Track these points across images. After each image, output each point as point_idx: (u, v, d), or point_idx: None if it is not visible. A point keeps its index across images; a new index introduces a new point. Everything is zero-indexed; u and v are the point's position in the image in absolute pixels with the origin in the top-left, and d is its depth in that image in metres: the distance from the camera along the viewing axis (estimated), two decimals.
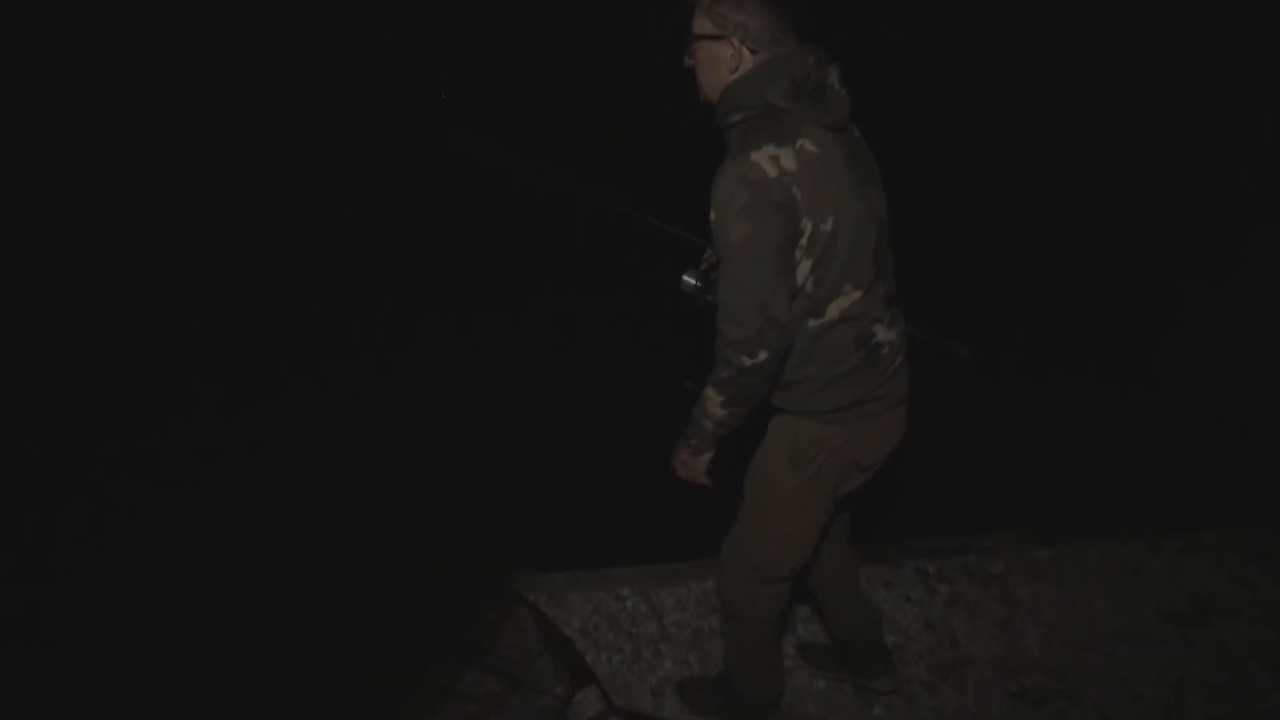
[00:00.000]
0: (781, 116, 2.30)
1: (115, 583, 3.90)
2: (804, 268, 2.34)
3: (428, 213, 7.47)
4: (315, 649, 3.52)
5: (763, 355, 2.32)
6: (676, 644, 3.72)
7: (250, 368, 5.46)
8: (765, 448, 2.75)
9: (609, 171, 7.71)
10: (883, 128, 2.52)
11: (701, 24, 2.38)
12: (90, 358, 5.47)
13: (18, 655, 3.56)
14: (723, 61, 2.37)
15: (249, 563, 3.91)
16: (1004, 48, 8.26)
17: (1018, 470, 4.52)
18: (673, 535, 3.97)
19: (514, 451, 4.68)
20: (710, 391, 2.48)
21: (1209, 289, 6.37)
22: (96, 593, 3.86)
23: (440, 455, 4.66)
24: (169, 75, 8.21)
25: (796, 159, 2.25)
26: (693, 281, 2.75)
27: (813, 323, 2.44)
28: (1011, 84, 8.03)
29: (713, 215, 2.30)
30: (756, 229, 2.23)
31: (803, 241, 2.30)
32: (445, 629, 3.64)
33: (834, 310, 2.42)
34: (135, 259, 6.46)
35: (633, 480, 4.23)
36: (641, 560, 4.09)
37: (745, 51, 2.35)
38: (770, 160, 2.22)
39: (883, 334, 2.53)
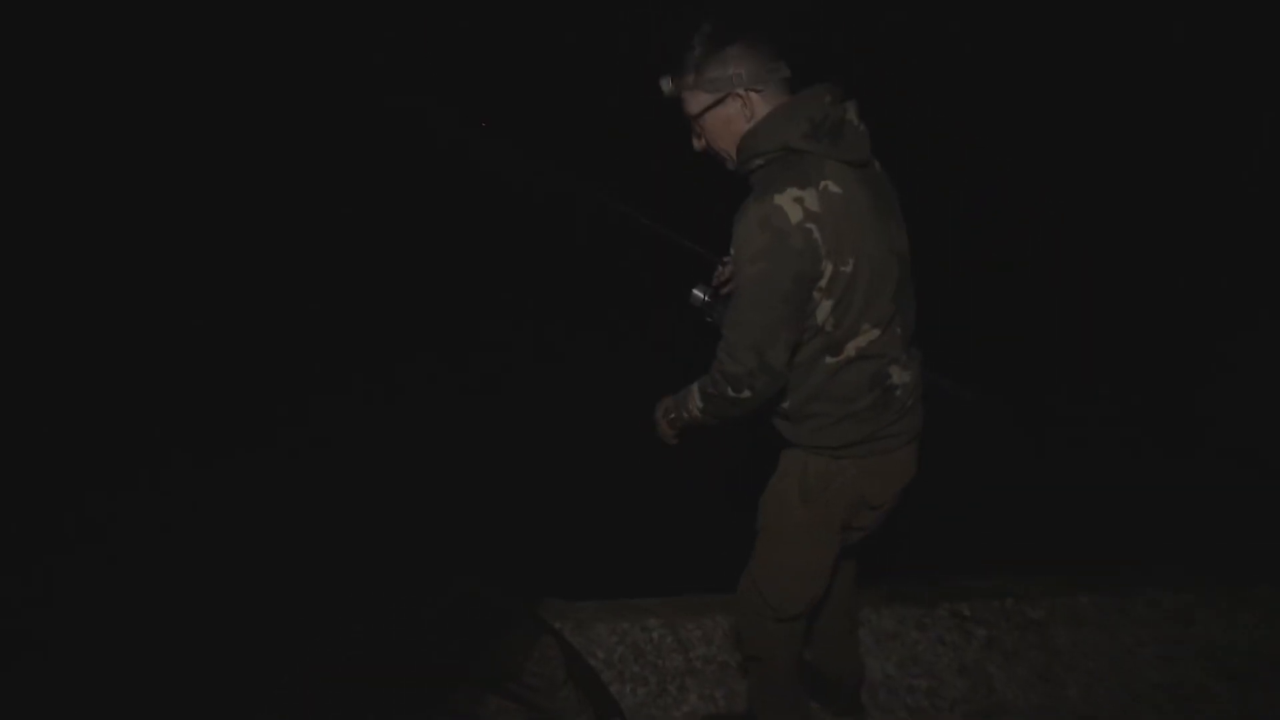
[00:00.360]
0: (803, 158, 2.28)
1: (121, 583, 3.91)
2: (824, 308, 2.31)
3: (428, 213, 7.35)
4: (336, 660, 3.47)
5: (747, 394, 2.35)
6: (702, 679, 3.58)
7: (259, 374, 5.47)
8: (776, 481, 2.72)
9: (609, 172, 7.55)
10: (883, 128, 2.47)
11: (699, 100, 2.37)
12: (100, 359, 5.47)
13: (21, 655, 3.54)
14: (735, 117, 2.36)
15: (269, 572, 3.89)
16: (1003, 48, 8.21)
17: (1057, 510, 4.37)
18: (701, 566, 3.79)
19: (543, 475, 4.60)
20: (696, 393, 2.53)
21: (1256, 319, 6.18)
22: (101, 592, 3.87)
23: (468, 477, 4.60)
24: (168, 76, 8.08)
25: (820, 200, 2.22)
26: (702, 296, 2.78)
27: (829, 360, 2.41)
28: (1012, 85, 7.96)
29: (732, 251, 2.30)
30: (769, 274, 2.23)
31: (822, 283, 2.27)
32: (468, 653, 3.53)
33: (851, 349, 2.39)
34: (135, 261, 6.49)
35: (662, 509, 4.26)
36: (669, 591, 3.96)
37: (752, 96, 2.32)
38: (794, 202, 2.20)
39: (898, 375, 2.49)
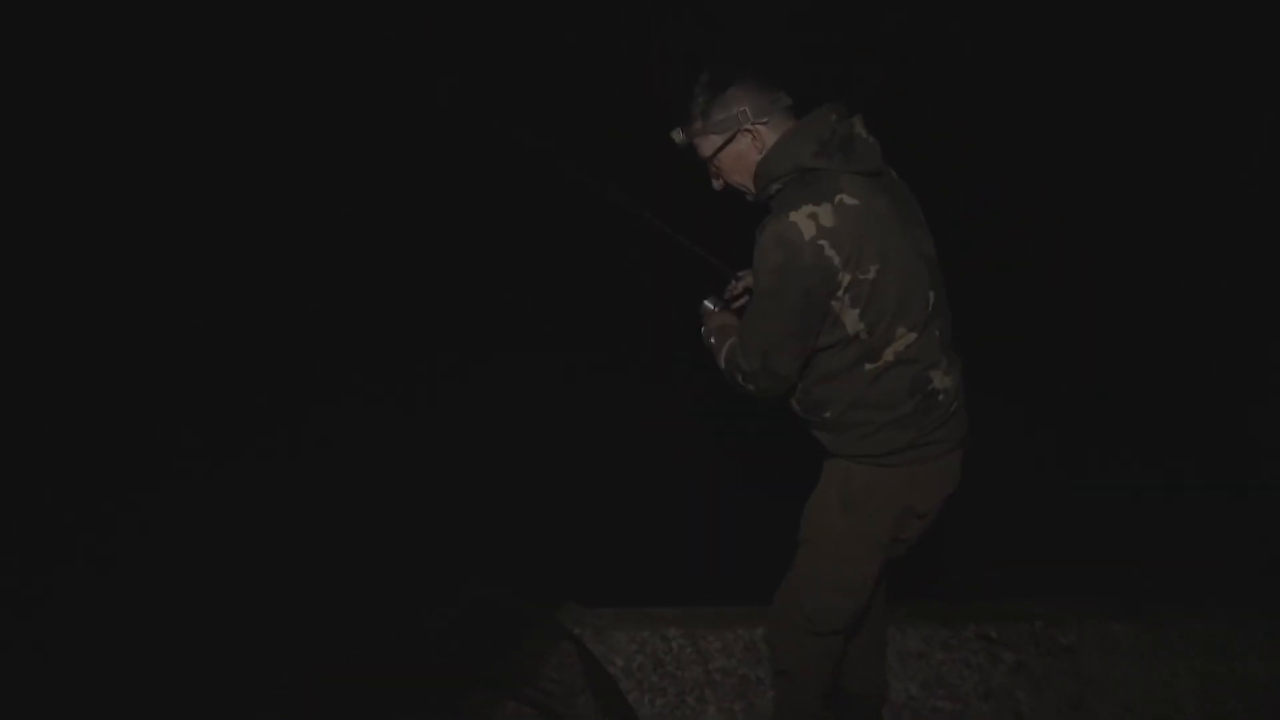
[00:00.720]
0: (818, 175, 2.31)
1: (124, 584, 3.80)
2: (851, 316, 2.33)
3: (427, 212, 7.12)
4: (347, 662, 3.36)
5: (750, 388, 2.47)
6: (721, 691, 3.44)
7: (264, 374, 5.34)
8: (818, 492, 2.67)
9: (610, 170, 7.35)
10: (883, 128, 2.46)
11: (710, 143, 2.44)
12: (101, 360, 5.31)
13: (22, 655, 3.44)
14: (747, 151, 2.42)
15: (276, 577, 3.74)
16: (1003, 48, 8.10)
17: (1090, 534, 4.25)
18: (723, 576, 3.76)
19: (564, 479, 4.47)
20: (724, 354, 2.57)
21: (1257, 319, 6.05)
22: (104, 593, 3.77)
23: (487, 480, 4.49)
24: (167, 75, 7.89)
25: (835, 214, 2.25)
26: (713, 309, 2.81)
27: (868, 367, 2.40)
28: (1012, 84, 7.85)
29: (754, 263, 2.37)
30: (780, 288, 2.29)
31: (841, 293, 2.30)
32: (487, 656, 3.46)
33: (890, 354, 2.39)
34: (133, 262, 6.22)
35: (685, 516, 4.16)
36: (689, 600, 3.80)
37: (759, 128, 2.38)
38: (809, 219, 2.24)
39: (939, 380, 2.46)
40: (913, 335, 2.37)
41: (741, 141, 2.40)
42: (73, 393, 5.05)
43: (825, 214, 2.23)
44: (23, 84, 7.61)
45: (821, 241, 2.23)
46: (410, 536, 4.04)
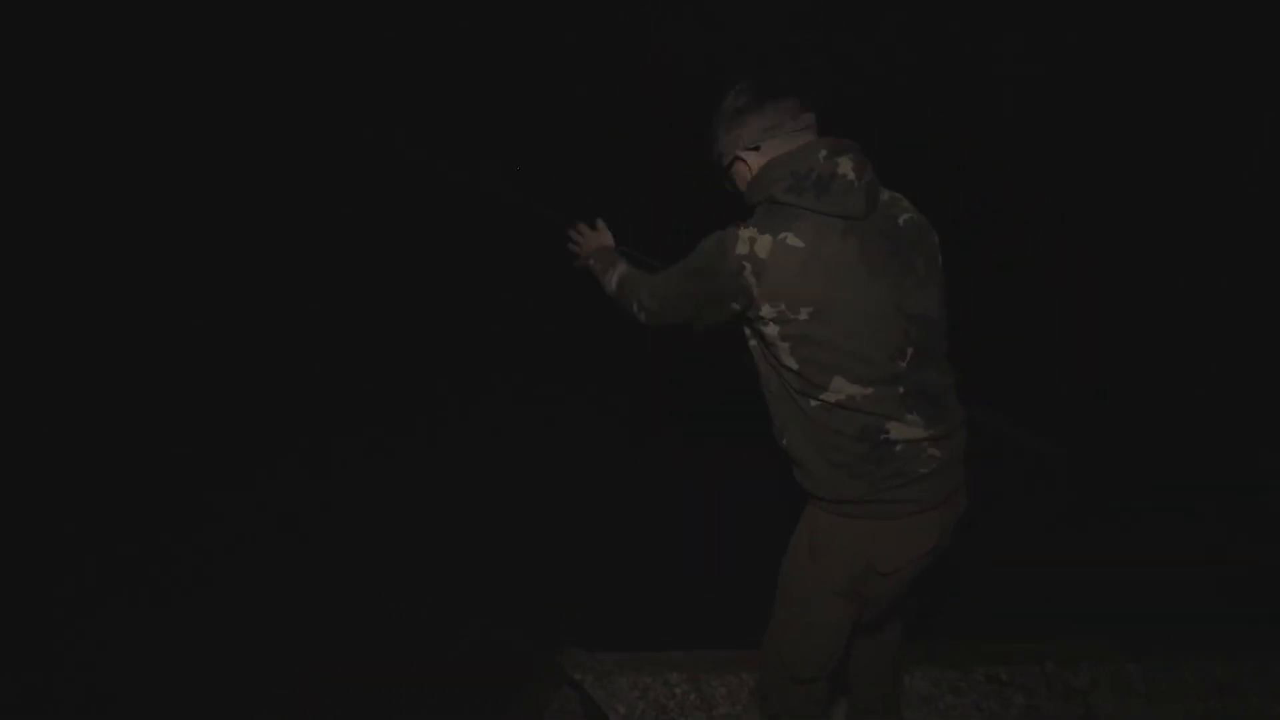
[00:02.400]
0: (781, 210, 2.27)
1: (128, 588, 3.86)
2: (783, 349, 2.26)
3: (428, 214, 7.08)
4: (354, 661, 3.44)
5: (641, 318, 2.60)
6: None
7: (271, 390, 5.26)
8: (794, 535, 2.56)
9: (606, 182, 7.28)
10: (883, 128, 2.39)
11: (722, 163, 2.48)
12: (105, 363, 5.36)
13: (23, 654, 3.52)
14: (743, 174, 2.42)
15: (272, 613, 3.72)
16: (1003, 48, 8.00)
17: (1100, 570, 4.03)
18: (728, 618, 3.44)
19: (566, 520, 4.34)
20: (614, 279, 2.70)
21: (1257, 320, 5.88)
22: (106, 591, 3.83)
23: (490, 519, 4.35)
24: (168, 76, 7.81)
25: (772, 250, 2.20)
26: (581, 240, 2.86)
27: (813, 402, 2.29)
28: (1012, 84, 7.75)
29: None
30: (698, 271, 2.35)
31: (769, 323, 2.24)
32: (489, 699, 3.38)
33: (830, 397, 2.26)
34: (133, 263, 6.28)
35: (688, 556, 4.01)
36: (694, 643, 3.65)
37: (751, 156, 2.37)
38: (748, 241, 2.23)
39: (900, 432, 2.27)
40: (857, 388, 2.23)
41: (740, 166, 2.41)
42: (79, 398, 5.06)
43: (763, 246, 2.20)
44: (26, 88, 7.56)
45: (746, 264, 2.21)
46: (413, 576, 3.96)
